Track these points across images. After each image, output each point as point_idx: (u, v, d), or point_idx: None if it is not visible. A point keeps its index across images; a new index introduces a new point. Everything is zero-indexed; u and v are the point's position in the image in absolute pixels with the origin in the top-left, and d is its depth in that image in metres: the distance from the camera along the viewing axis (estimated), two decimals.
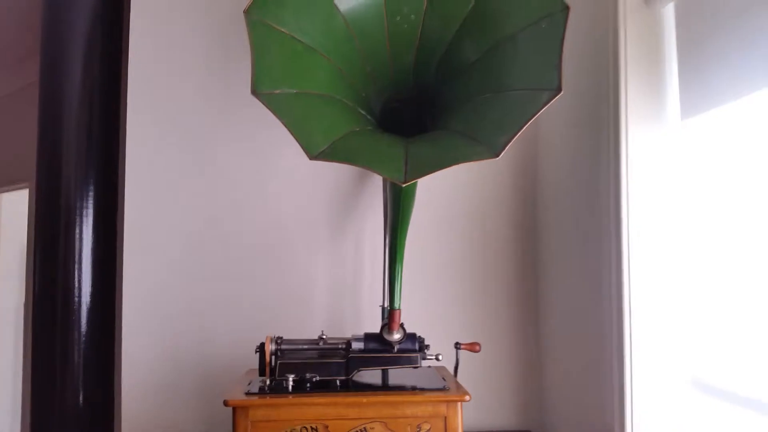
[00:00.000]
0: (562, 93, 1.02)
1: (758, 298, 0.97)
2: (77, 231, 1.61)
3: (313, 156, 1.02)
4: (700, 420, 1.11)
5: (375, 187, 1.58)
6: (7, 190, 3.81)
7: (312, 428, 1.09)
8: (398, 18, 1.22)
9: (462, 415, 1.13)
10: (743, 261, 1.01)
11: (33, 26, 2.74)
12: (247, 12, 1.09)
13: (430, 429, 1.12)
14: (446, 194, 1.62)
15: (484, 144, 1.05)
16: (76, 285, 1.61)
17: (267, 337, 1.19)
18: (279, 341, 1.20)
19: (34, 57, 3.12)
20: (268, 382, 1.16)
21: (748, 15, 0.97)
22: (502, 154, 1.00)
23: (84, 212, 1.62)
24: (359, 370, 1.18)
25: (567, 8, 1.05)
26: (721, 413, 1.05)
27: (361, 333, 1.23)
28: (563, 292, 1.48)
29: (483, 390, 1.56)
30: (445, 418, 1.12)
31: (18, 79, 3.42)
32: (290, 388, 1.13)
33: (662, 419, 1.14)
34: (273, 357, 1.18)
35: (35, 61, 3.18)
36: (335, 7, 1.18)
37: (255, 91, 1.05)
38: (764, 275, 0.96)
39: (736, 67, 1.00)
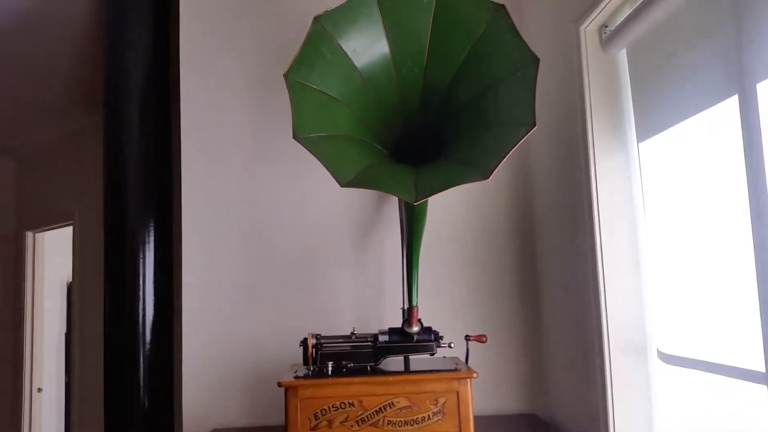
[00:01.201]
0: (536, 127, 1.29)
1: (700, 283, 1.23)
2: (141, 257, 1.90)
3: (343, 184, 1.30)
4: (664, 384, 1.36)
5: (392, 206, 1.85)
6: (51, 229, 4.10)
7: (349, 403, 1.35)
8: (404, 70, 1.51)
9: (472, 390, 1.38)
10: (683, 257, 1.28)
11: (72, 82, 3.09)
12: (286, 75, 1.38)
13: (445, 402, 1.37)
14: (453, 209, 1.88)
15: (477, 169, 1.32)
16: (141, 303, 1.89)
17: (309, 334, 1.46)
18: (318, 337, 1.47)
19: (72, 109, 3.48)
20: (311, 369, 1.42)
21: (676, 60, 1.25)
22: (492, 176, 1.27)
23: (146, 240, 1.91)
24: (385, 357, 1.45)
25: (537, 60, 1.33)
26: (676, 374, 1.31)
27: (385, 328, 1.49)
28: (556, 291, 1.74)
29: (491, 377, 1.80)
30: (458, 392, 1.37)
31: (60, 126, 3.76)
32: (330, 372, 1.39)
33: (636, 387, 1.39)
34: (314, 349, 1.45)
35: (72, 113, 3.53)
36: (353, 65, 1.48)
37: (296, 137, 1.34)
38: (702, 266, 1.22)
39: (671, 99, 1.28)
